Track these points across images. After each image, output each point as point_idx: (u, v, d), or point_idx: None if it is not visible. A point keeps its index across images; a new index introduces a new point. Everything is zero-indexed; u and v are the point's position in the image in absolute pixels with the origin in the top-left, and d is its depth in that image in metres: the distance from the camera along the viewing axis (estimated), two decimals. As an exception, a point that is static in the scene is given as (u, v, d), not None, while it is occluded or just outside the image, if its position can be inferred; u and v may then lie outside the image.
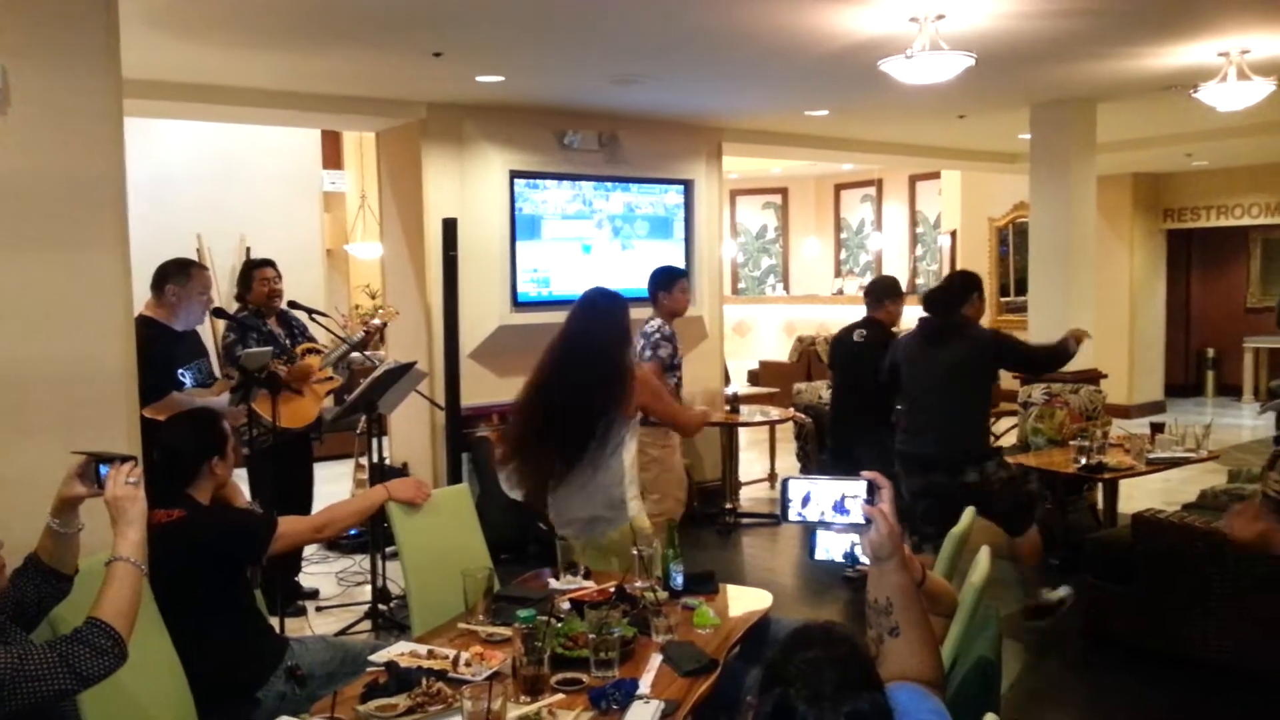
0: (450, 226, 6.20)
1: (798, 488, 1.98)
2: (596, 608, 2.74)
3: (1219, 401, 12.86)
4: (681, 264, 7.89)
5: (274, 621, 3.92)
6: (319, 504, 4.92)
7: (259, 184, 9.92)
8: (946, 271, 13.25)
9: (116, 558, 2.20)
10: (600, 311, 3.85)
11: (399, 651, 2.83)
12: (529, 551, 6.28)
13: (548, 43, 5.28)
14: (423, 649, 2.84)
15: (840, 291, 14.74)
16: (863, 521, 1.92)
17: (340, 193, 11.86)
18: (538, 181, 7.20)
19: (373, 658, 2.83)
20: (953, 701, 2.05)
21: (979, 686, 2.28)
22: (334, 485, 7.15)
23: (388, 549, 5.23)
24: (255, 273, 5.52)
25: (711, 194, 8.25)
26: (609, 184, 7.58)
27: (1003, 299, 12.15)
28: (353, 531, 6.10)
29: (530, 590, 3.33)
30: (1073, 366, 6.62)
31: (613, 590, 3.14)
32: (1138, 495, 6.88)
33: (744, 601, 3.33)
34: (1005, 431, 7.81)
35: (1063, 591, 5.12)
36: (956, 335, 4.90)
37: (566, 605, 3.02)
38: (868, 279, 14.54)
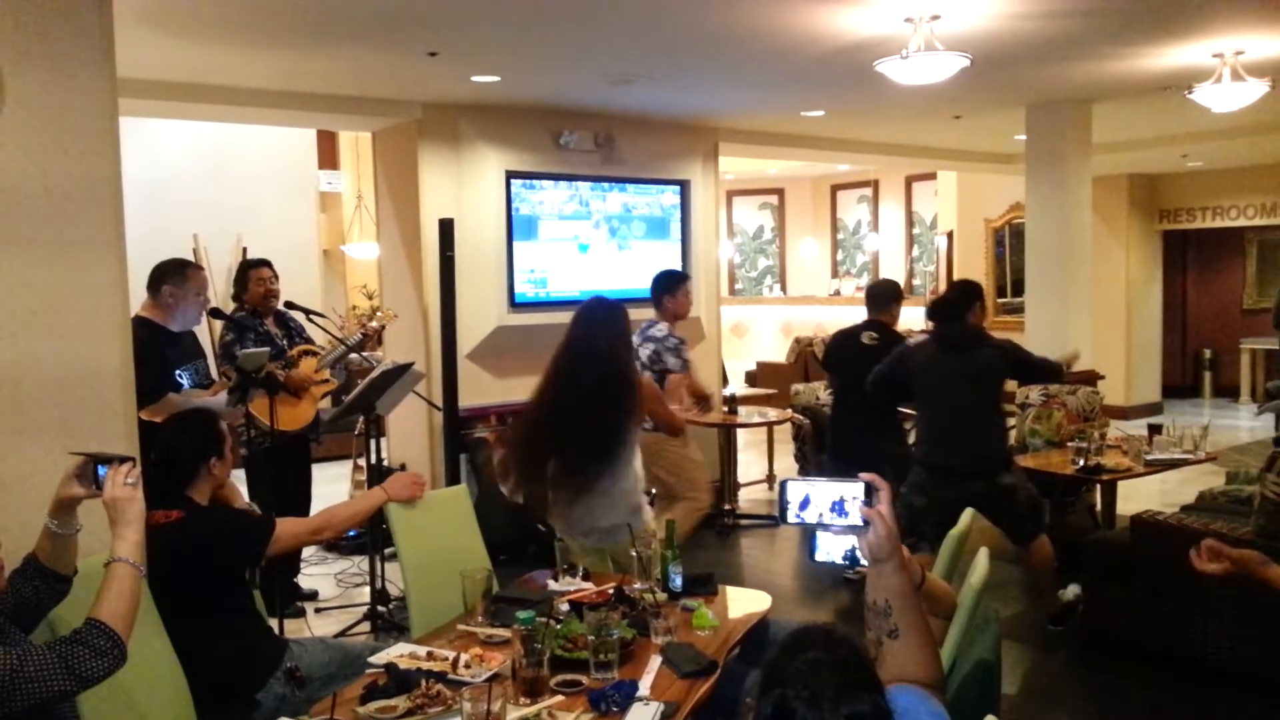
0: (447, 227, 6.20)
1: (796, 489, 1.98)
2: (596, 609, 2.74)
3: (1216, 403, 12.87)
4: (678, 265, 7.91)
5: (273, 623, 3.92)
6: (317, 505, 4.91)
7: (255, 184, 9.91)
8: (943, 272, 13.26)
9: (115, 559, 2.19)
10: (603, 323, 3.87)
11: (398, 653, 2.83)
12: (528, 553, 6.28)
13: (543, 42, 5.28)
14: (422, 650, 2.84)
15: (837, 292, 14.74)
16: (861, 523, 1.91)
17: (336, 193, 11.85)
18: (534, 182, 7.21)
19: (372, 659, 2.82)
20: (952, 703, 2.05)
21: (978, 688, 2.28)
22: (332, 486, 7.15)
23: (387, 550, 5.22)
24: (252, 273, 5.51)
25: (708, 194, 8.25)
26: (605, 184, 7.58)
27: (999, 300, 12.15)
28: (352, 533, 6.10)
29: (529, 592, 3.33)
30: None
31: (612, 592, 3.14)
32: (1136, 497, 6.88)
33: (743, 603, 3.33)
34: (1009, 445, 7.80)
35: (1073, 591, 5.13)
36: (977, 344, 4.94)
37: (566, 607, 3.02)
38: (864, 280, 14.59)
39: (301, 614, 5.46)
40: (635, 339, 5.60)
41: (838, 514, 1.95)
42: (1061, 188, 7.42)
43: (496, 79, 6.06)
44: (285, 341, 5.46)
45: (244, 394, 4.65)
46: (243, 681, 2.98)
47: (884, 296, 5.93)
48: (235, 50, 5.27)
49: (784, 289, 15.49)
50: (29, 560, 2.35)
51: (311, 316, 5.65)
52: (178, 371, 4.63)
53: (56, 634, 2.33)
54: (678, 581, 3.30)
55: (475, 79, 6.05)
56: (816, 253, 15.39)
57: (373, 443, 5.48)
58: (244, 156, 9.81)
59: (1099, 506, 6.09)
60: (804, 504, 1.98)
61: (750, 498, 7.99)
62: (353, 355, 5.55)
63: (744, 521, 7.40)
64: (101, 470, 2.30)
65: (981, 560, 2.78)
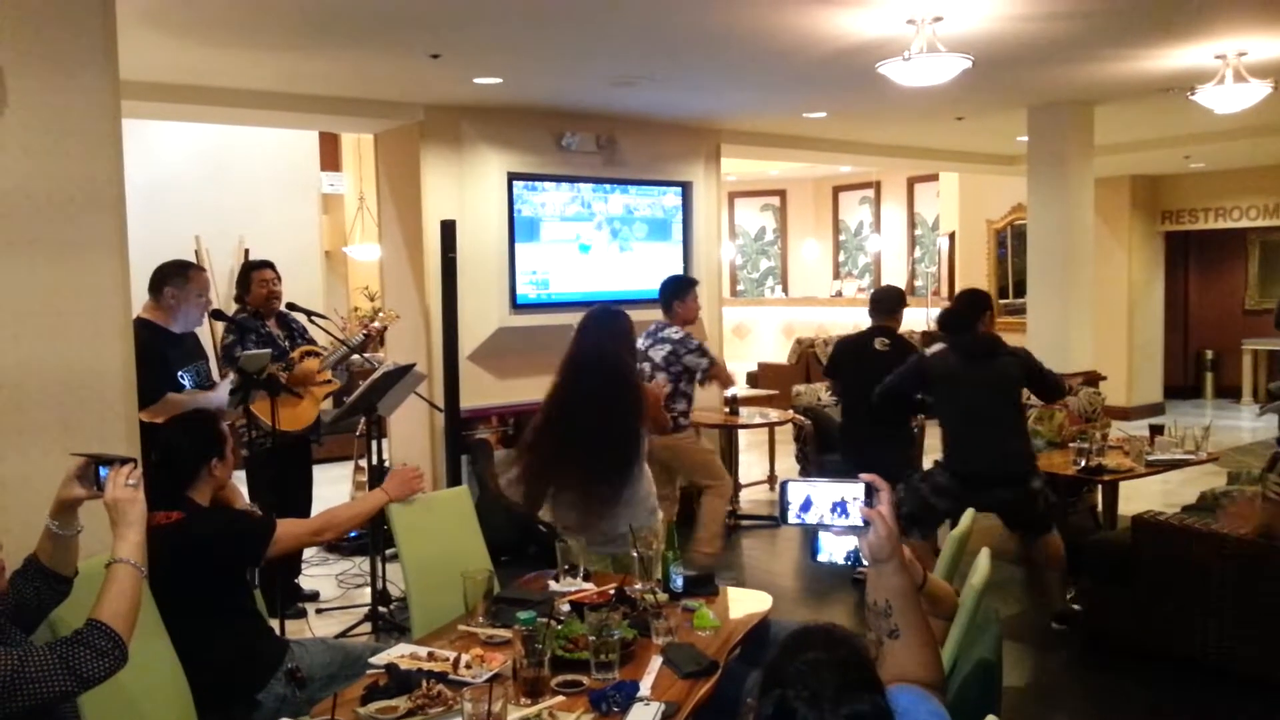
0: (449, 228, 6.20)
1: (797, 490, 1.98)
2: (597, 610, 2.74)
3: (1218, 403, 12.86)
4: (680, 266, 7.94)
5: (274, 624, 3.92)
6: (318, 506, 4.91)
7: (257, 186, 9.92)
8: (945, 274, 13.27)
9: (116, 559, 2.20)
10: (610, 331, 3.93)
11: (399, 653, 2.83)
12: (529, 553, 6.28)
13: (545, 44, 5.29)
14: (423, 651, 2.84)
15: (839, 294, 14.74)
16: (861, 524, 1.91)
17: (339, 195, 11.86)
18: (536, 183, 7.21)
19: (373, 660, 2.82)
20: (954, 703, 2.05)
21: (979, 688, 2.28)
22: (333, 487, 7.15)
23: (388, 551, 5.22)
24: (254, 274, 5.52)
25: (710, 196, 8.25)
26: (607, 186, 7.59)
27: (1001, 301, 12.15)
28: (353, 534, 6.10)
29: (530, 592, 3.33)
30: (1072, 367, 6.63)
31: (613, 592, 3.14)
32: (1137, 497, 6.88)
33: (744, 603, 3.33)
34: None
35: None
36: (997, 353, 4.98)
37: (566, 607, 3.02)
38: (866, 281, 14.60)
39: (303, 615, 5.46)
40: (643, 341, 5.64)
41: (838, 515, 1.95)
42: (1063, 189, 7.42)
43: (498, 81, 6.06)
44: (287, 343, 5.47)
45: (246, 395, 4.65)
46: (243, 682, 2.98)
47: (889, 303, 5.98)
48: (238, 52, 5.28)
49: (786, 290, 15.49)
50: (30, 561, 2.35)
51: (313, 318, 5.65)
52: (179, 373, 4.63)
53: (57, 635, 2.33)
54: (678, 582, 3.30)
55: (477, 81, 6.06)
56: (818, 254, 15.39)
57: (374, 444, 5.49)
58: (246, 158, 9.82)
59: (1100, 507, 6.08)
60: (805, 505, 1.97)
61: (751, 498, 7.98)
62: (354, 356, 5.55)
63: (745, 522, 7.40)
64: (103, 471, 2.30)
65: (983, 561, 2.78)
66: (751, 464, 8.89)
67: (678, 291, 5.87)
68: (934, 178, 13.35)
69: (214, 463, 3.11)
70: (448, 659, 2.72)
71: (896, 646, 1.86)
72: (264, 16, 4.62)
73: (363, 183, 11.20)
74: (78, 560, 2.41)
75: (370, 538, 5.35)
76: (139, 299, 4.06)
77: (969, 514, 3.38)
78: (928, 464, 5.51)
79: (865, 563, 1.93)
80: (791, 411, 7.83)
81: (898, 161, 10.82)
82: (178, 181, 9.31)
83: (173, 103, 6.07)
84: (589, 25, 4.91)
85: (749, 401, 8.74)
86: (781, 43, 5.26)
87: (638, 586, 3.19)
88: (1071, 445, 5.72)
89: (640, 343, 5.58)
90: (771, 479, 8.31)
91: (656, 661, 2.73)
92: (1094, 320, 7.70)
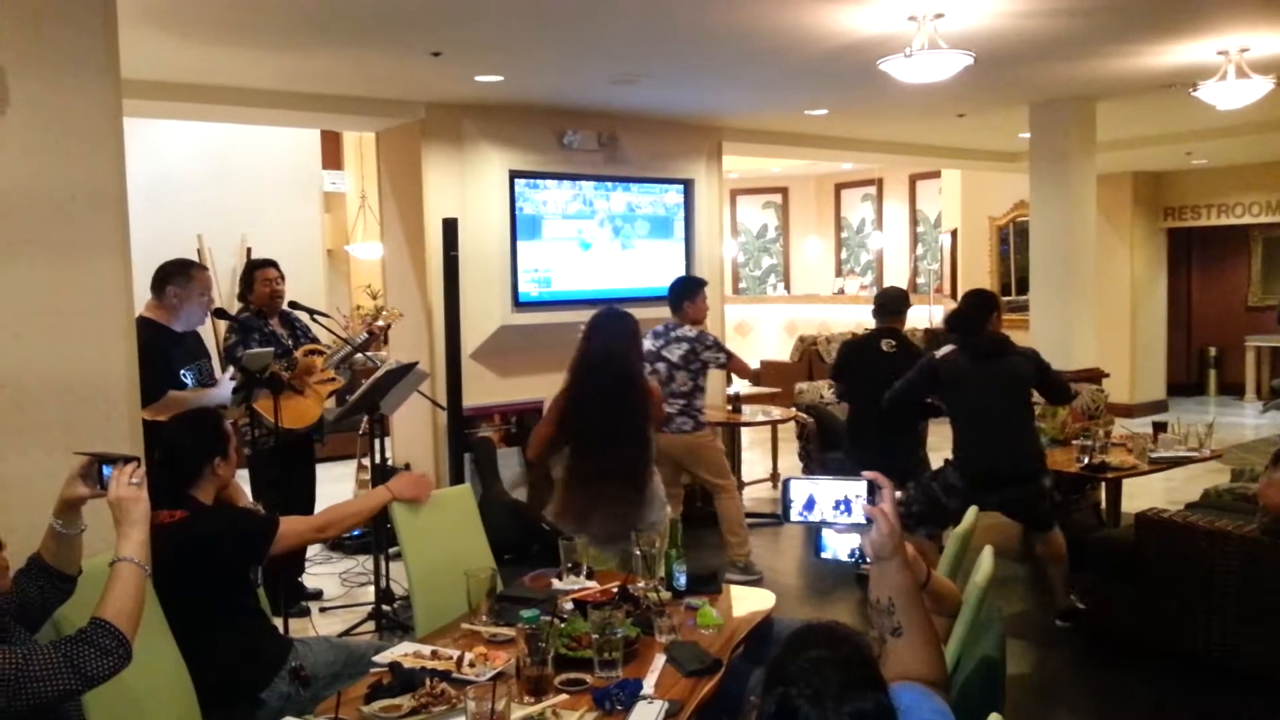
0: (451, 227, 6.21)
1: (799, 488, 1.98)
2: (600, 608, 2.74)
3: (1221, 400, 12.85)
4: (682, 263, 7.95)
5: (278, 622, 3.92)
6: (321, 505, 4.92)
7: (259, 184, 9.92)
8: (948, 271, 13.26)
9: (120, 558, 2.20)
10: (619, 333, 4.03)
11: (403, 652, 2.83)
12: (531, 552, 6.28)
13: (546, 42, 5.29)
14: (426, 649, 2.84)
15: (841, 291, 14.73)
16: (864, 521, 1.91)
17: (340, 193, 11.87)
18: (538, 181, 7.21)
19: (376, 658, 2.82)
20: (957, 701, 2.05)
21: (983, 686, 2.28)
22: (336, 486, 7.16)
23: (391, 550, 5.23)
24: (257, 273, 5.52)
25: (712, 193, 8.25)
26: (609, 184, 7.58)
27: (1004, 298, 12.14)
28: (356, 532, 6.11)
29: (534, 590, 3.33)
30: (1075, 365, 6.62)
31: (616, 590, 3.14)
32: (1141, 495, 6.87)
33: (747, 601, 3.33)
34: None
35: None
36: (1006, 352, 5.00)
37: (570, 605, 3.02)
38: (869, 278, 14.59)
39: (306, 613, 5.47)
40: (653, 342, 5.65)
41: (841, 512, 1.95)
42: (1066, 186, 7.41)
43: (500, 79, 6.06)
44: (291, 341, 5.47)
45: (248, 394, 4.66)
46: (247, 681, 2.98)
47: (894, 304, 6.00)
48: (239, 51, 5.28)
49: (788, 288, 15.49)
50: (34, 560, 2.35)
51: (315, 316, 5.66)
52: (181, 371, 4.63)
53: (61, 634, 2.33)
54: (682, 580, 3.30)
55: (479, 79, 6.06)
56: (820, 251, 15.38)
57: (377, 442, 5.49)
58: (248, 157, 9.82)
59: (1104, 504, 6.08)
60: (807, 503, 1.98)
61: (754, 496, 7.98)
62: (357, 355, 5.55)
63: (748, 520, 7.38)
64: (106, 470, 2.30)
65: (986, 558, 2.78)
66: (754, 462, 8.89)
67: (687, 292, 5.90)
68: (936, 174, 13.34)
69: (217, 461, 3.11)
70: (451, 657, 2.72)
71: (899, 644, 1.86)
72: (265, 15, 4.62)
73: (365, 181, 11.21)
74: (81, 559, 2.41)
75: (373, 536, 5.35)
76: (141, 298, 4.06)
77: (972, 511, 3.39)
78: (936, 463, 5.51)
79: (868, 560, 1.93)
80: (794, 409, 7.83)
81: (899, 158, 10.81)
82: (180, 180, 9.31)
83: (175, 101, 6.08)
84: (590, 23, 4.90)
85: (751, 399, 8.74)
86: (783, 40, 5.26)
87: (641, 585, 3.19)
88: (1075, 443, 5.72)
89: (650, 343, 5.60)
90: (774, 477, 8.31)
91: (660, 660, 2.73)
92: (1096, 317, 7.69)
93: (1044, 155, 7.54)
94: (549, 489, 6.73)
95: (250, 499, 3.62)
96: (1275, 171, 11.05)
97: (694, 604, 3.13)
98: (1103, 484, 5.87)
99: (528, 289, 7.17)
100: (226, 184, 9.66)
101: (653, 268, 7.75)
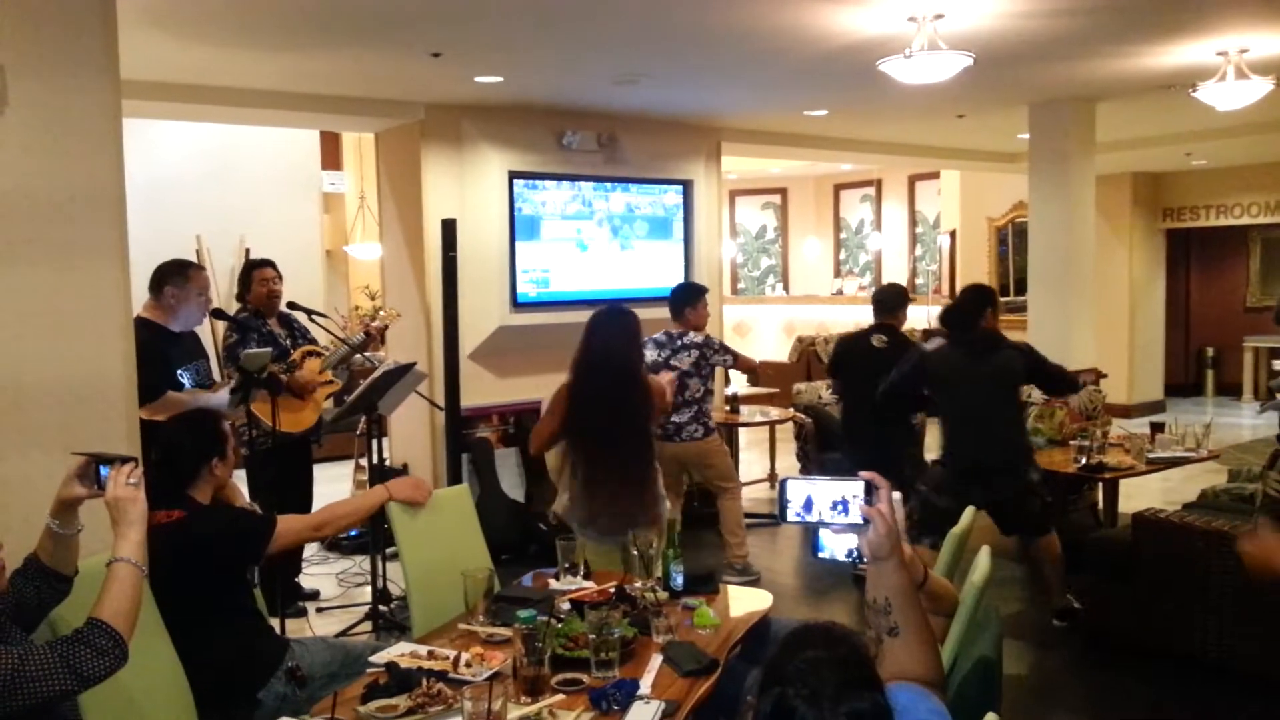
0: (449, 227, 6.20)
1: (796, 488, 1.98)
2: (597, 608, 2.74)
3: (1219, 401, 12.86)
4: (681, 264, 7.95)
5: (274, 622, 3.92)
6: (318, 505, 4.91)
7: (258, 185, 9.92)
8: (946, 272, 13.26)
9: (117, 558, 2.20)
10: (618, 331, 4.08)
11: (399, 652, 2.83)
12: (529, 552, 6.29)
13: (546, 43, 5.29)
14: (423, 650, 2.84)
15: (840, 292, 14.73)
16: (861, 521, 1.91)
17: (339, 193, 11.86)
18: (537, 182, 7.21)
19: (373, 658, 2.83)
20: (954, 701, 2.05)
21: (980, 686, 2.28)
22: (334, 486, 7.14)
23: (388, 550, 5.23)
24: (255, 273, 5.52)
25: (710, 194, 8.25)
26: (608, 184, 7.59)
27: (1002, 299, 12.13)
28: (353, 532, 6.11)
29: (531, 590, 3.33)
30: (1074, 365, 6.61)
31: (613, 590, 3.14)
32: (1138, 495, 6.88)
33: (744, 601, 3.33)
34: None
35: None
36: (996, 347, 4.98)
37: (567, 606, 3.02)
38: (867, 279, 14.58)
39: (303, 613, 5.46)
40: (656, 352, 5.65)
41: (839, 513, 1.95)
42: (1065, 186, 7.41)
43: (499, 79, 6.06)
44: (289, 342, 5.47)
45: (247, 394, 4.65)
46: (244, 681, 2.98)
47: (891, 301, 6.01)
48: (238, 51, 5.28)
49: (786, 288, 15.49)
50: (30, 560, 2.35)
51: (314, 317, 5.65)
52: (179, 371, 4.63)
53: (58, 634, 2.33)
54: (679, 580, 3.30)
55: (478, 79, 6.06)
56: (819, 252, 15.38)
57: (374, 443, 5.48)
58: (247, 157, 9.82)
59: (1101, 504, 6.08)
60: (805, 503, 1.97)
61: (752, 496, 7.97)
62: (356, 355, 5.55)
63: (746, 520, 7.38)
64: (104, 470, 2.30)
65: (983, 558, 2.78)
66: (752, 462, 8.89)
67: (689, 298, 5.92)
68: (935, 175, 13.34)
69: (215, 462, 3.11)
70: (448, 657, 2.72)
71: (896, 644, 1.86)
72: (265, 15, 4.62)
73: (364, 181, 11.21)
74: (78, 559, 2.41)
75: (370, 536, 5.35)
76: (139, 298, 4.06)
77: (969, 511, 3.39)
78: (931, 459, 5.52)
79: (865, 560, 1.93)
80: (792, 410, 7.83)
81: (899, 159, 10.81)
82: (179, 180, 9.31)
83: (173, 102, 6.08)
84: (590, 23, 4.91)
85: (750, 400, 8.74)
86: (782, 40, 5.26)
87: (638, 585, 3.19)
88: (1072, 443, 5.72)
89: (654, 353, 5.60)
90: (772, 477, 8.31)
91: (657, 660, 2.73)
92: (1095, 318, 7.69)
93: (1043, 156, 7.54)
94: (548, 489, 6.78)
95: (247, 499, 3.62)
96: (1274, 172, 11.06)
97: (691, 604, 3.13)
98: (1100, 484, 5.87)
99: (526, 290, 7.17)
100: (225, 184, 9.66)
101: (652, 268, 7.75)
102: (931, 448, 6.11)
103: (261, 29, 4.85)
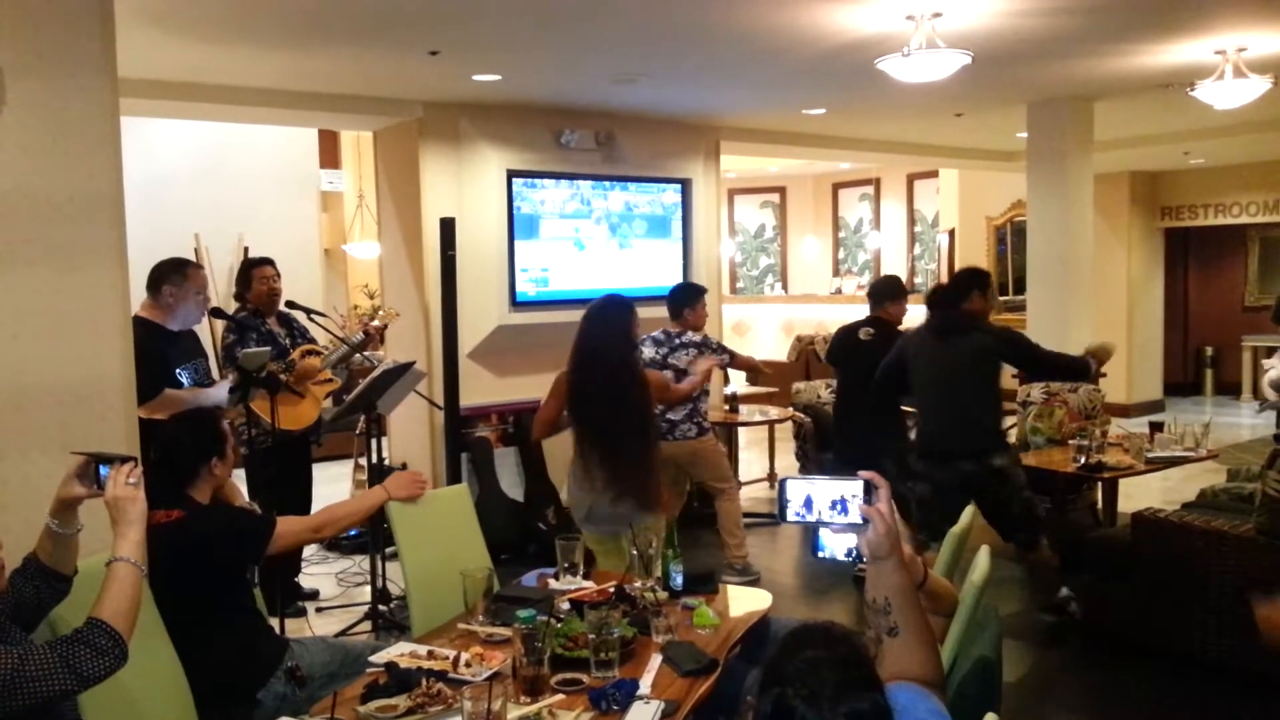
0: (448, 226, 6.20)
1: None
2: (596, 608, 2.74)
3: (1218, 400, 12.87)
4: (680, 263, 7.94)
5: (274, 622, 3.92)
6: (318, 505, 4.92)
7: (256, 184, 9.91)
8: (945, 271, 13.25)
9: (116, 558, 2.20)
10: (607, 322, 4.11)
11: (399, 652, 2.83)
12: (529, 552, 6.29)
13: (545, 42, 5.28)
14: (423, 649, 2.84)
15: (839, 291, 14.71)
16: (861, 521, 1.91)
17: (338, 192, 11.85)
18: (535, 181, 7.21)
19: (373, 658, 2.83)
20: (953, 700, 2.05)
21: (979, 686, 2.28)
22: (333, 486, 7.15)
23: (387, 550, 5.22)
24: (255, 271, 5.51)
25: (709, 193, 8.25)
26: (607, 183, 7.58)
27: (1001, 298, 12.14)
28: (352, 532, 6.11)
29: (530, 590, 3.33)
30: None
31: (612, 590, 3.14)
32: (1137, 494, 6.88)
33: (744, 601, 3.33)
34: (1004, 431, 7.82)
35: (1064, 593, 5.14)
36: (964, 330, 4.91)
37: (566, 605, 3.02)
38: (866, 278, 14.57)
39: (303, 613, 5.46)
40: (654, 350, 5.65)
41: (838, 512, 1.95)
42: (1063, 185, 7.41)
43: (497, 78, 6.06)
44: (288, 341, 5.46)
45: (245, 393, 4.65)
46: (243, 681, 2.98)
47: (880, 292, 5.98)
48: (236, 50, 5.27)
49: (785, 287, 15.48)
50: (30, 560, 2.35)
51: (312, 316, 5.65)
52: (178, 371, 4.63)
53: (57, 633, 2.33)
54: (678, 580, 3.30)
55: (476, 78, 6.05)
56: (818, 251, 15.38)
57: (374, 442, 5.48)
58: (245, 156, 9.81)
59: (1100, 504, 6.09)
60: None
61: (751, 496, 7.98)
62: (355, 355, 5.55)
63: (745, 520, 7.37)
64: (103, 470, 2.30)
65: (983, 558, 2.78)
66: (751, 462, 8.89)
67: (688, 299, 5.92)
68: (934, 174, 13.34)
69: (214, 461, 3.11)
70: (447, 657, 2.72)
71: (896, 644, 1.86)
72: (263, 14, 4.62)
73: (362, 180, 11.20)
74: (77, 559, 2.41)
75: (370, 536, 5.35)
76: (137, 297, 4.06)
77: (969, 511, 3.38)
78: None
79: (865, 560, 1.93)
80: (791, 409, 7.83)
81: (897, 158, 10.81)
82: (176, 179, 9.30)
83: (171, 100, 6.07)
84: (588, 22, 4.90)
85: (749, 399, 8.74)
86: (780, 39, 5.26)
87: (638, 585, 3.19)
88: (1071, 442, 5.72)
89: (652, 351, 5.61)
90: (771, 477, 8.31)
91: (656, 660, 2.73)
92: (1094, 317, 7.70)
93: (1041, 155, 7.54)
94: (547, 489, 6.78)
95: (246, 499, 3.62)
96: (1273, 171, 11.06)
97: (690, 604, 3.13)
98: (1099, 484, 5.87)
99: (525, 288, 7.17)
100: (223, 183, 9.64)
101: (650, 267, 7.75)
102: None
103: (259, 27, 4.85)
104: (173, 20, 4.67)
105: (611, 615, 2.68)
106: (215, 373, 5.16)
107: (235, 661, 2.99)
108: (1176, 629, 4.57)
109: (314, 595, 5.78)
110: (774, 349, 13.96)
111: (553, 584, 3.37)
